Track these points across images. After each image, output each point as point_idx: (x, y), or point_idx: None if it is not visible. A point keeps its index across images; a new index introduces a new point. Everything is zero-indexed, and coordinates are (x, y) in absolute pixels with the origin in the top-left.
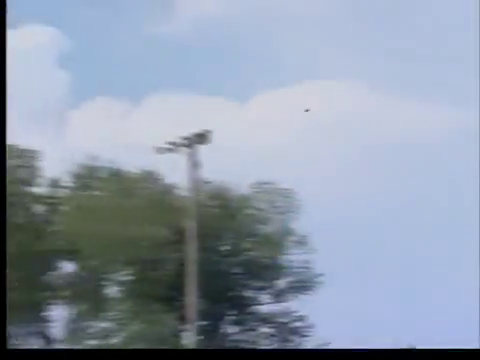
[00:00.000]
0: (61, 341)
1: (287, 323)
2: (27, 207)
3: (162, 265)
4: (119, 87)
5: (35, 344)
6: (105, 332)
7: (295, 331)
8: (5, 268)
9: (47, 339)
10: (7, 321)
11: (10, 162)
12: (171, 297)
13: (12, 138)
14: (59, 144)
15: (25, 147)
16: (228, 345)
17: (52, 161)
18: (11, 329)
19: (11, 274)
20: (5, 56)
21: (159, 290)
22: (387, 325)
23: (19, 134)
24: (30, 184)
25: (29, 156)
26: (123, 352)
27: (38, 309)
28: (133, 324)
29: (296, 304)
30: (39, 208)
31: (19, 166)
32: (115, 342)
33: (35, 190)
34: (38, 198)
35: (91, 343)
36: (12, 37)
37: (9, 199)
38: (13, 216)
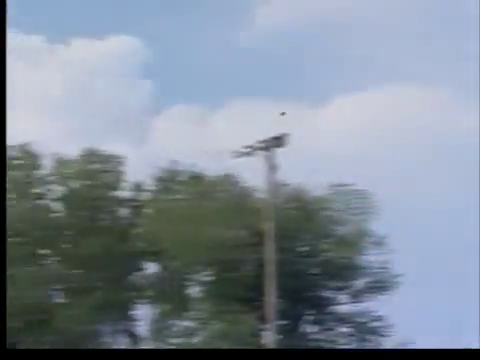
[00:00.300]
0: (146, 339)
1: (365, 323)
2: (112, 210)
3: (241, 266)
4: (199, 93)
5: (122, 342)
6: (187, 331)
7: (373, 331)
8: (5, 269)
9: (134, 337)
10: (94, 319)
11: (96, 167)
12: (250, 297)
13: (98, 144)
14: (142, 149)
15: (110, 152)
16: (307, 344)
17: (136, 166)
18: (99, 327)
19: (97, 274)
20: (5, 56)
21: (239, 290)
22: (465, 325)
23: (105, 140)
24: (115, 188)
25: (114, 161)
26: (124, 352)
27: (124, 308)
28: (214, 323)
29: (374, 304)
30: (123, 211)
31: (104, 171)
32: (197, 341)
33: (120, 194)
34: (122, 201)
35: (174, 341)
36: (98, 47)
37: (95, 203)
38: (99, 219)
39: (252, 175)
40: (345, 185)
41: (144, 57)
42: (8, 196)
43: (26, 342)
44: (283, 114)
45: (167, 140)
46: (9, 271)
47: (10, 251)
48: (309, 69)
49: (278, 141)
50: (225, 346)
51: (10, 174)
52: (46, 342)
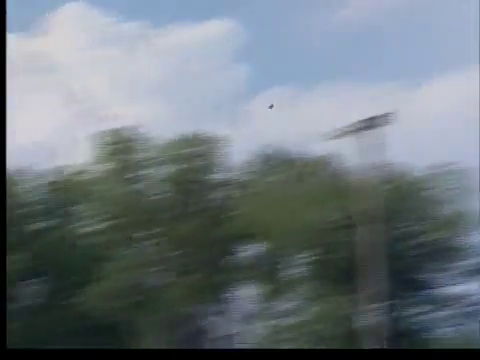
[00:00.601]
0: (244, 320)
1: (467, 306)
2: (209, 193)
3: (340, 248)
4: (296, 75)
5: (220, 323)
6: (286, 313)
7: (475, 314)
8: (5, 270)
9: (233, 318)
10: (192, 301)
11: (193, 150)
12: (349, 279)
13: (195, 127)
14: (239, 132)
15: (207, 136)
16: (407, 327)
17: (232, 149)
18: (197, 308)
19: (195, 256)
20: (5, 56)
21: (337, 272)
22: None
23: (201, 123)
24: (212, 171)
25: (211, 144)
26: (120, 352)
27: (222, 290)
28: (313, 306)
29: (476, 286)
30: (220, 194)
31: (202, 154)
32: (295, 322)
33: (216, 177)
34: (219, 184)
35: (273, 323)
36: (195, 32)
37: (192, 186)
38: (196, 202)
39: (350, 156)
40: (446, 165)
41: (240, 40)
42: (108, 179)
43: (128, 323)
44: (271, 107)
45: (264, 122)
46: (109, 253)
47: (109, 234)
48: (408, 47)
49: (376, 121)
50: (324, 328)
51: (109, 158)
52: (147, 323)
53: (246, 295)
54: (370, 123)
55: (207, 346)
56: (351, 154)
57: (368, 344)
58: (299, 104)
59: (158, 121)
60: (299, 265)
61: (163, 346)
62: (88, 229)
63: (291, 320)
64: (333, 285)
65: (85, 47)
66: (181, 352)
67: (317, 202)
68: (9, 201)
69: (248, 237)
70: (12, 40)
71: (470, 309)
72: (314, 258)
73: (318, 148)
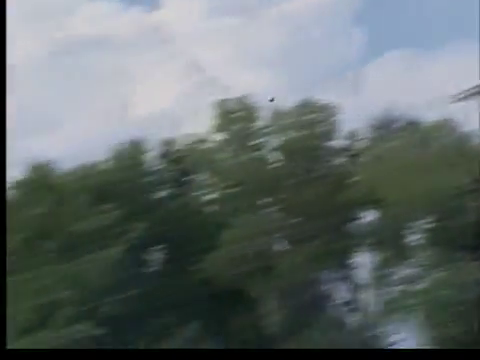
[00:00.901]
0: (366, 287)
1: None
2: (329, 159)
3: (463, 213)
4: (413, 37)
5: (342, 290)
6: (408, 279)
7: None
8: (5, 270)
9: (354, 285)
10: (314, 267)
11: (312, 117)
12: (473, 245)
13: (313, 94)
14: (357, 98)
15: (325, 102)
16: None
17: (351, 114)
18: (318, 275)
19: (316, 223)
20: (5, 53)
21: (461, 238)
22: None
23: (318, 90)
24: (331, 137)
25: (329, 111)
26: (120, 352)
27: (343, 256)
28: (436, 272)
29: None
30: (340, 160)
31: (320, 121)
32: (419, 289)
33: (336, 143)
34: (339, 150)
35: (395, 289)
36: None
37: (311, 152)
38: (316, 169)
39: (472, 120)
40: None
41: (356, 4)
42: (228, 147)
43: (250, 289)
44: (272, 100)
45: (382, 87)
46: (231, 220)
47: (231, 201)
48: None
49: None
50: (447, 294)
51: (230, 126)
52: (269, 289)
53: (368, 261)
54: None
55: (327, 312)
56: (475, 117)
57: None
58: (419, 67)
59: (276, 89)
60: (422, 231)
61: (284, 312)
62: (210, 197)
63: (414, 286)
64: (457, 251)
65: (202, 17)
66: (183, 352)
67: (440, 167)
68: (134, 170)
69: (370, 203)
70: (134, 14)
71: None
72: (437, 224)
73: (441, 112)
